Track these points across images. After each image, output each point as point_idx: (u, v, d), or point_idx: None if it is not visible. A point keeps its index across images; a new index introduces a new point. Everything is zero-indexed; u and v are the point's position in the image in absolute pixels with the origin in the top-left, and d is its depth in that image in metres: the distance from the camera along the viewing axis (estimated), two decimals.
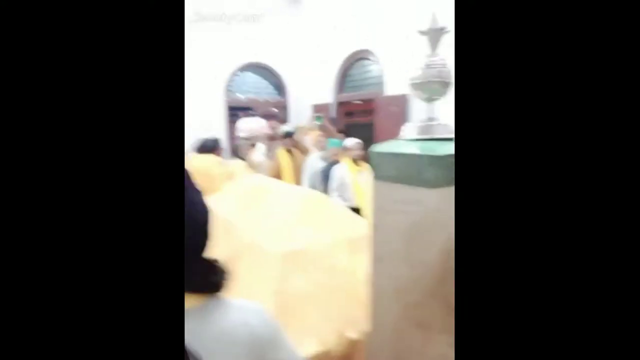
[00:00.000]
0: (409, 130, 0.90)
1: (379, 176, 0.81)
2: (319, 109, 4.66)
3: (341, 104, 4.45)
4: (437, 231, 0.74)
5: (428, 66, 0.84)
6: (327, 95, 4.56)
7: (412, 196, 0.75)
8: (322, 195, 1.79)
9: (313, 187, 2.80)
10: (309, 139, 3.32)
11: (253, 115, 4.68)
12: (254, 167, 3.17)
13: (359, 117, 4.35)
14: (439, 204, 0.73)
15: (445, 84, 0.84)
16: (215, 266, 0.49)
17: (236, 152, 3.34)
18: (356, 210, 2.34)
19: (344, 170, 2.63)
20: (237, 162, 3.20)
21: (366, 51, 3.97)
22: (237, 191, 1.83)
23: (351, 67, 4.31)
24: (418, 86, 0.87)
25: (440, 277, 0.76)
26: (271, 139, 3.50)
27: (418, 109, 3.27)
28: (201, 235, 0.48)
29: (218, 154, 3.14)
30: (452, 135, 0.85)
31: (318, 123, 3.36)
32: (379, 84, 3.92)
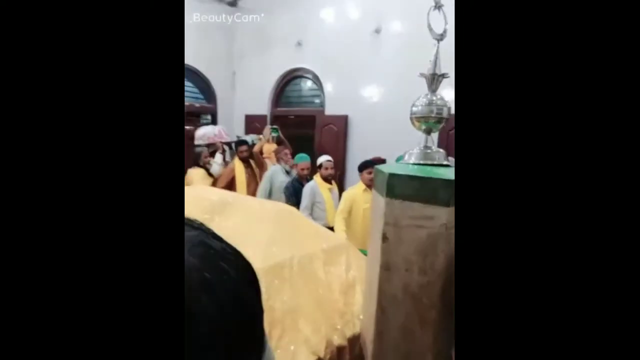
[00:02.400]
0: (410, 155, 1.04)
1: (393, 195, 0.93)
2: (252, 119, 4.62)
3: (277, 117, 4.51)
4: (447, 242, 0.89)
5: (429, 104, 1.00)
6: (260, 107, 4.56)
7: (427, 213, 0.88)
8: (292, 209, 1.82)
9: (274, 199, 2.75)
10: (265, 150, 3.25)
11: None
12: (213, 176, 3.00)
13: (293, 130, 4.46)
14: (449, 220, 0.88)
15: (442, 119, 1.01)
16: None
17: (196, 160, 3.11)
18: (330, 229, 2.39)
19: (317, 188, 2.57)
20: (196, 170, 2.98)
21: (304, 69, 4.15)
22: (197, 202, 1.72)
23: (289, 84, 4.43)
24: (418, 119, 1.03)
25: (447, 281, 0.91)
26: (226, 147, 3.33)
27: (357, 129, 3.57)
28: None
29: None
30: (446, 162, 1.02)
31: (274, 135, 3.31)
32: (317, 102, 4.13)
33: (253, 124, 4.53)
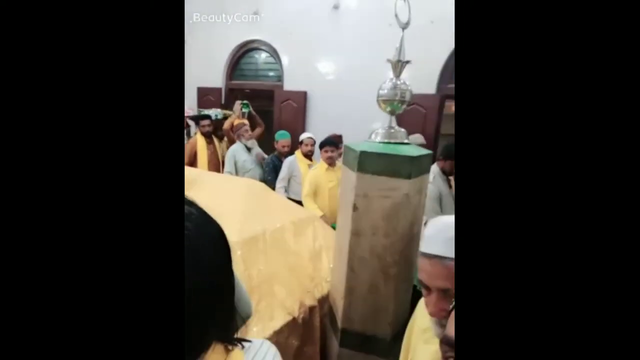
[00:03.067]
0: (376, 134, 1.16)
1: (364, 170, 1.05)
2: (205, 92, 4.42)
3: (232, 90, 4.37)
4: (408, 209, 1.04)
5: (394, 87, 1.12)
6: (214, 79, 4.36)
7: (392, 185, 1.02)
8: (262, 184, 1.87)
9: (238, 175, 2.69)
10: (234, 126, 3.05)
11: None
12: None
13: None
14: (410, 190, 1.02)
15: (404, 102, 1.13)
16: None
17: None
18: (299, 203, 2.38)
19: (296, 163, 2.61)
20: None
21: (261, 41, 4.03)
22: None
23: (244, 56, 4.27)
24: (384, 102, 1.14)
25: (407, 241, 1.07)
26: (191, 122, 3.11)
27: (317, 106, 3.62)
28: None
29: None
30: (406, 140, 1.16)
31: (245, 111, 3.14)
32: (274, 76, 4.07)
33: (206, 97, 4.34)
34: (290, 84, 3.77)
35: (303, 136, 2.75)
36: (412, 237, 1.08)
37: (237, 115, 3.12)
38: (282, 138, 2.81)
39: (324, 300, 1.43)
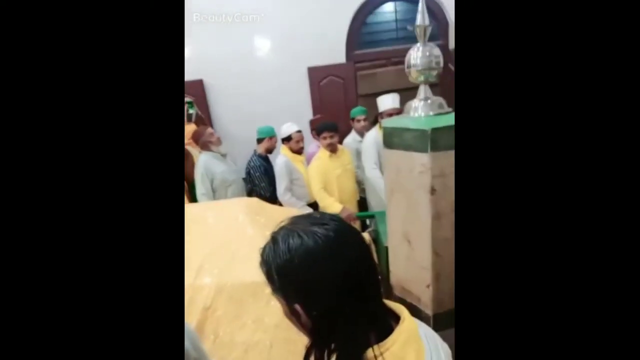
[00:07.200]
0: (415, 109, 1.08)
1: (438, 148, 0.97)
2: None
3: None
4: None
5: (429, 55, 1.01)
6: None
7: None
8: (258, 200, 1.64)
9: (219, 197, 2.14)
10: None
11: None
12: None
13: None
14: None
15: (437, 69, 1.01)
16: None
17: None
18: (313, 204, 2.21)
19: (292, 164, 2.20)
20: None
21: None
22: None
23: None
24: (418, 72, 1.04)
25: None
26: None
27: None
28: None
29: None
30: (450, 109, 1.02)
31: (192, 112, 2.40)
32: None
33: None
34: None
35: (290, 129, 2.19)
36: None
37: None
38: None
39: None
